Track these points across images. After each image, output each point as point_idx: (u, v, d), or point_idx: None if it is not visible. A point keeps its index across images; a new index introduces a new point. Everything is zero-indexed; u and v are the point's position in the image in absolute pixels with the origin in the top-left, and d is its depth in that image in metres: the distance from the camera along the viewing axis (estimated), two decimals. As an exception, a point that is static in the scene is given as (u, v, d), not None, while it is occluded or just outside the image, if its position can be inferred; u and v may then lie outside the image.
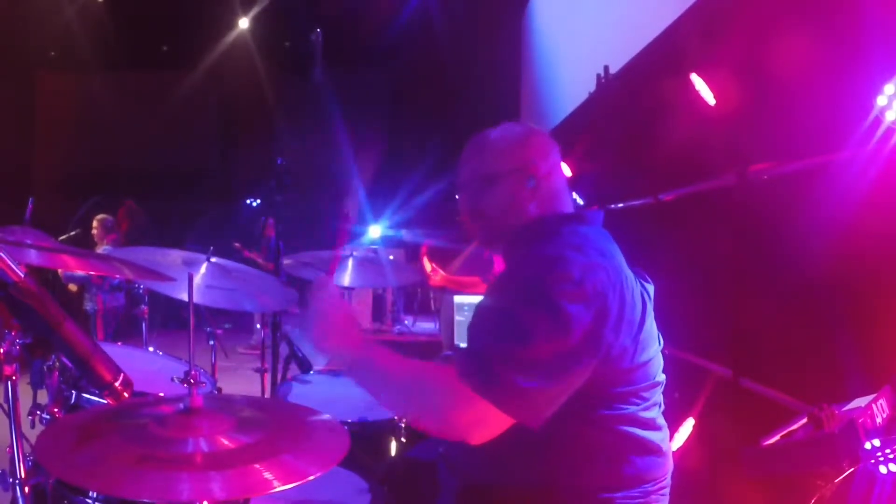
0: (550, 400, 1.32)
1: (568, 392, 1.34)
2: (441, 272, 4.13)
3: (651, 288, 1.56)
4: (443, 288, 4.29)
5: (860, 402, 1.40)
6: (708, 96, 2.67)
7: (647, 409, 1.45)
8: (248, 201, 12.37)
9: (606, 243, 1.52)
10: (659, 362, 1.51)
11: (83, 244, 5.94)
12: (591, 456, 1.41)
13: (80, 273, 5.59)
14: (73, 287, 6.04)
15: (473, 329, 1.43)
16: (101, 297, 5.89)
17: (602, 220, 1.58)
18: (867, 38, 1.81)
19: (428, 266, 4.18)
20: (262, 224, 8.73)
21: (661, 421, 1.51)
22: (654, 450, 1.45)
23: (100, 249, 5.90)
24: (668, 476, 1.51)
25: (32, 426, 1.71)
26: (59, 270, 5.42)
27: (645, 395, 1.45)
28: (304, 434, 1.39)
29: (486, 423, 1.31)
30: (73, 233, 6.10)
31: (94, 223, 6.15)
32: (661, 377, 1.52)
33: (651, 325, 1.50)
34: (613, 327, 1.35)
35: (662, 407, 1.52)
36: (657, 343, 1.52)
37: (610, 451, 1.41)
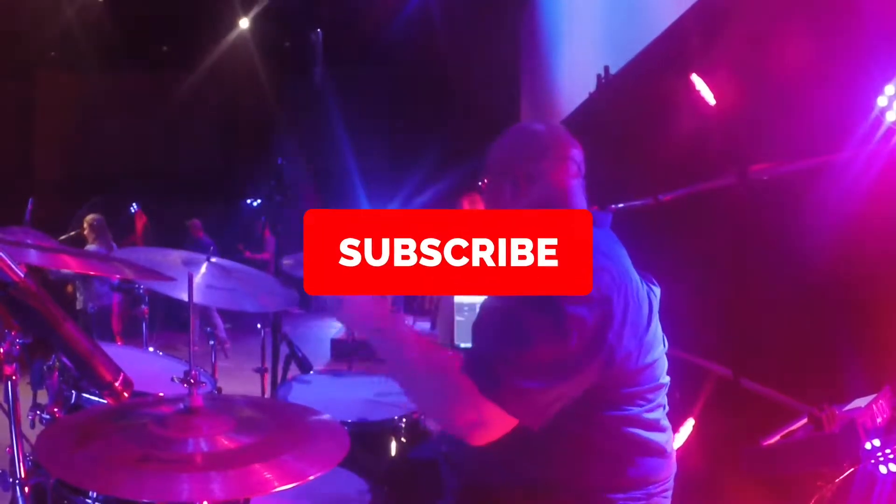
0: (553, 401, 1.31)
1: (573, 393, 1.34)
2: None
3: (658, 291, 1.56)
4: None
5: (860, 402, 1.41)
6: (708, 96, 2.66)
7: (651, 410, 1.45)
8: (248, 201, 12.37)
9: (613, 245, 1.51)
10: (664, 364, 1.51)
11: (83, 244, 5.93)
12: (595, 457, 1.41)
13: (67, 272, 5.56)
14: (69, 287, 6.01)
15: (477, 329, 1.44)
16: (98, 294, 5.85)
17: (610, 222, 1.57)
18: (868, 39, 1.81)
19: None
20: (261, 224, 8.73)
21: (666, 422, 1.51)
22: (658, 451, 1.44)
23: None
24: (672, 477, 1.50)
25: (32, 426, 1.71)
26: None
27: (650, 396, 1.44)
28: (304, 434, 1.38)
29: (487, 424, 1.31)
30: (72, 233, 6.09)
31: (84, 225, 6.03)
32: (666, 379, 1.51)
33: (657, 327, 1.50)
34: (617, 330, 1.34)
35: (667, 408, 1.52)
36: (662, 345, 1.52)
37: (614, 453, 1.41)
